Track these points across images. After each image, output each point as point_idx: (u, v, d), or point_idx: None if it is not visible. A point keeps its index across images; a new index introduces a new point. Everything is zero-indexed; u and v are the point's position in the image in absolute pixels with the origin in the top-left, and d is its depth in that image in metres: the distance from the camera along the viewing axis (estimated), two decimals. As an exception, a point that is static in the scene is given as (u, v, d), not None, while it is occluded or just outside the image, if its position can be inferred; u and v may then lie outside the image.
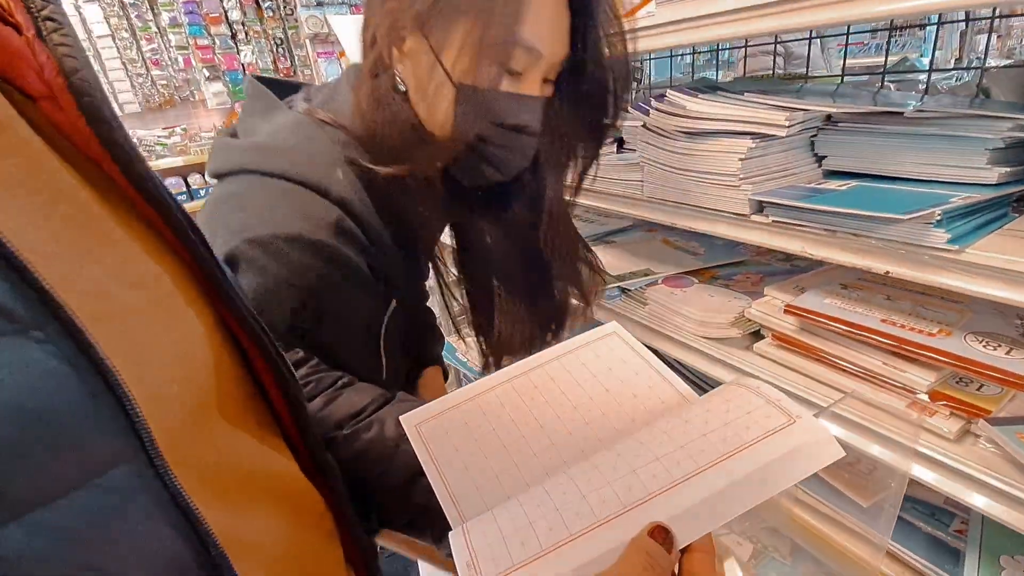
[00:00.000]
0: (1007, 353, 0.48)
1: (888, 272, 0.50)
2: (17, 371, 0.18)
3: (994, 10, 0.74)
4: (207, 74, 3.22)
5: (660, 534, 0.26)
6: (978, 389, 0.50)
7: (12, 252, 0.18)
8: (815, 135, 0.65)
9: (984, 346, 0.49)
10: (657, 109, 0.69)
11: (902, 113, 0.56)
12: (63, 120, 0.26)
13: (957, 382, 0.51)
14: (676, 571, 0.28)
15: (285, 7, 3.33)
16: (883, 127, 0.58)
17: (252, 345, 0.32)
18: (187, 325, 0.28)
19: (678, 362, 0.77)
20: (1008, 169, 0.51)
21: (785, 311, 0.61)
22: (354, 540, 0.37)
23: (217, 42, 3.23)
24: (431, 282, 0.74)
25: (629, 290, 0.84)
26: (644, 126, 0.72)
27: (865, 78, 1.06)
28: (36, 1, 0.26)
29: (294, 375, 0.34)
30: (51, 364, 0.19)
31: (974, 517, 0.57)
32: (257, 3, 3.30)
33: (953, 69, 0.80)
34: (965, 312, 0.55)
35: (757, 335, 0.68)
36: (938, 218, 0.45)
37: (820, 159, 0.66)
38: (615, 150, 0.94)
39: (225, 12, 3.23)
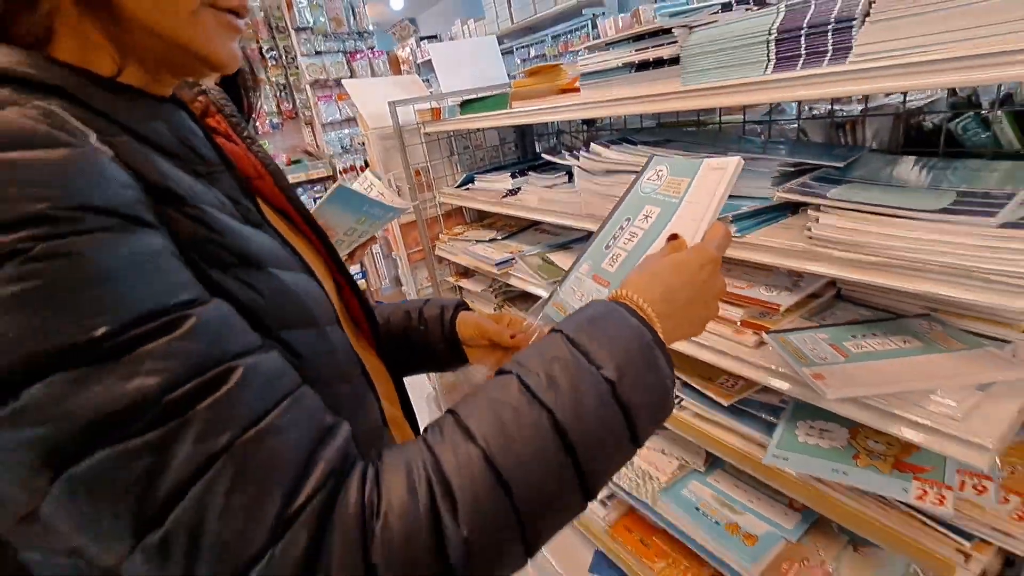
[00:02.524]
0: (776, 294, 0.83)
1: (713, 252, 0.84)
2: (311, 289, 0.50)
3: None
4: (218, 119, 3.56)
5: None
6: (770, 317, 0.84)
7: (284, 238, 0.51)
8: (687, 169, 1.00)
9: (766, 291, 0.83)
10: (585, 156, 1.05)
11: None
12: (265, 188, 0.60)
13: (760, 315, 0.85)
14: None
15: (287, 56, 3.71)
16: (719, 164, 0.93)
17: (348, 287, 0.64)
18: (325, 275, 0.61)
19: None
20: (782, 187, 0.86)
21: (669, 282, 0.96)
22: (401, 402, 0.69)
23: (226, 90, 3.59)
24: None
25: (579, 279, 1.18)
26: (579, 166, 1.07)
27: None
28: (239, 127, 0.60)
29: (368, 302, 0.67)
30: (317, 288, 0.51)
31: (790, 402, 0.91)
32: (261, 53, 3.67)
33: (785, 119, 1.16)
34: (769, 274, 0.89)
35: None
36: (731, 219, 0.80)
37: (691, 184, 1.01)
38: (567, 180, 1.30)
39: (232, 63, 3.60)
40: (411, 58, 5.95)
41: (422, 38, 6.25)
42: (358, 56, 3.73)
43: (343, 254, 1.05)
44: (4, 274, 0.26)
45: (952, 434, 0.60)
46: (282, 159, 3.67)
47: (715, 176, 0.54)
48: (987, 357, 0.67)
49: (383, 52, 3.88)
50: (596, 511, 1.45)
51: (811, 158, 0.86)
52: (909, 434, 0.64)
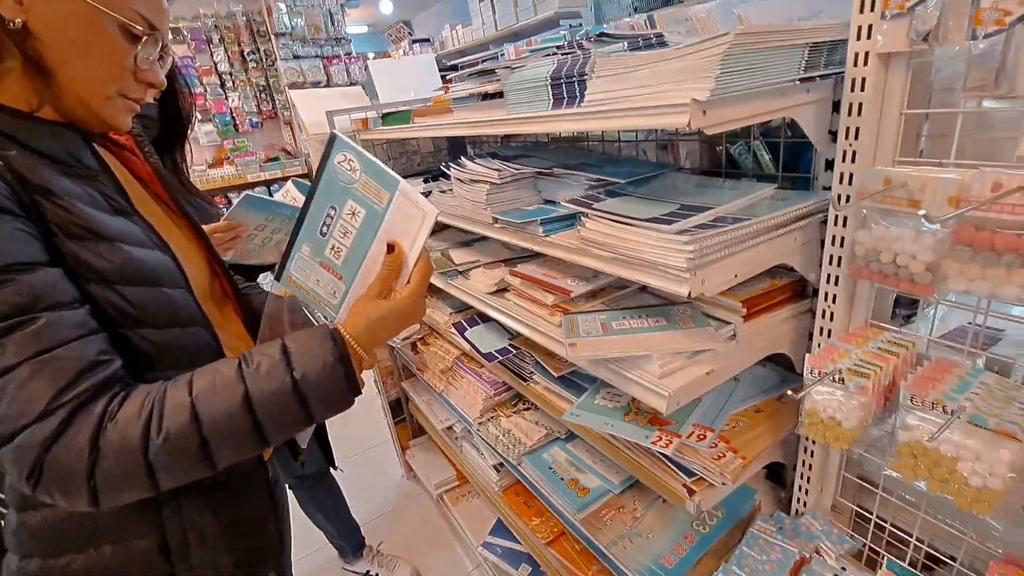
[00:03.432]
0: (577, 284, 1.02)
1: (530, 247, 1.04)
2: (160, 261, 0.70)
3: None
4: (199, 117, 3.77)
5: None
6: (571, 301, 1.04)
7: (152, 226, 0.71)
8: (537, 180, 1.20)
9: (572, 281, 1.03)
10: (455, 167, 1.25)
11: (552, 172, 1.11)
12: (157, 190, 0.80)
13: (569, 300, 1.05)
14: None
15: (267, 59, 3.91)
16: (551, 179, 1.13)
17: (220, 270, 0.85)
18: (197, 259, 0.81)
19: (480, 310, 1.30)
20: (569, 199, 1.06)
21: (511, 275, 1.16)
22: None
23: (208, 90, 3.80)
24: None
25: (460, 271, 1.38)
26: (453, 175, 1.27)
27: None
28: (141, 143, 0.81)
29: (236, 283, 0.87)
30: (169, 261, 0.71)
31: (600, 375, 1.11)
32: (243, 56, 3.88)
33: (648, 140, 1.35)
34: (577, 269, 1.09)
35: (507, 288, 1.22)
36: (539, 223, 1.00)
37: (540, 192, 1.21)
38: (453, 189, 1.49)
39: (215, 65, 3.81)
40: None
41: (414, 40, 6.44)
42: (335, 61, 3.94)
43: (260, 247, 1.23)
44: None
45: (648, 386, 0.80)
46: (260, 156, 3.88)
47: (415, 213, 0.64)
48: (702, 334, 0.87)
49: (359, 57, 4.08)
50: (492, 478, 1.65)
51: (614, 175, 1.05)
52: (627, 386, 0.84)
